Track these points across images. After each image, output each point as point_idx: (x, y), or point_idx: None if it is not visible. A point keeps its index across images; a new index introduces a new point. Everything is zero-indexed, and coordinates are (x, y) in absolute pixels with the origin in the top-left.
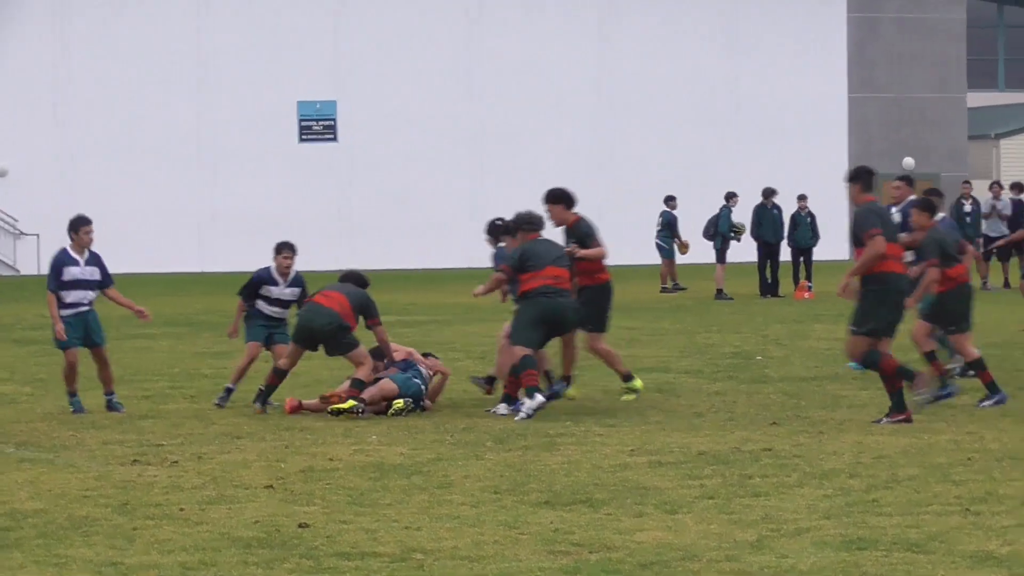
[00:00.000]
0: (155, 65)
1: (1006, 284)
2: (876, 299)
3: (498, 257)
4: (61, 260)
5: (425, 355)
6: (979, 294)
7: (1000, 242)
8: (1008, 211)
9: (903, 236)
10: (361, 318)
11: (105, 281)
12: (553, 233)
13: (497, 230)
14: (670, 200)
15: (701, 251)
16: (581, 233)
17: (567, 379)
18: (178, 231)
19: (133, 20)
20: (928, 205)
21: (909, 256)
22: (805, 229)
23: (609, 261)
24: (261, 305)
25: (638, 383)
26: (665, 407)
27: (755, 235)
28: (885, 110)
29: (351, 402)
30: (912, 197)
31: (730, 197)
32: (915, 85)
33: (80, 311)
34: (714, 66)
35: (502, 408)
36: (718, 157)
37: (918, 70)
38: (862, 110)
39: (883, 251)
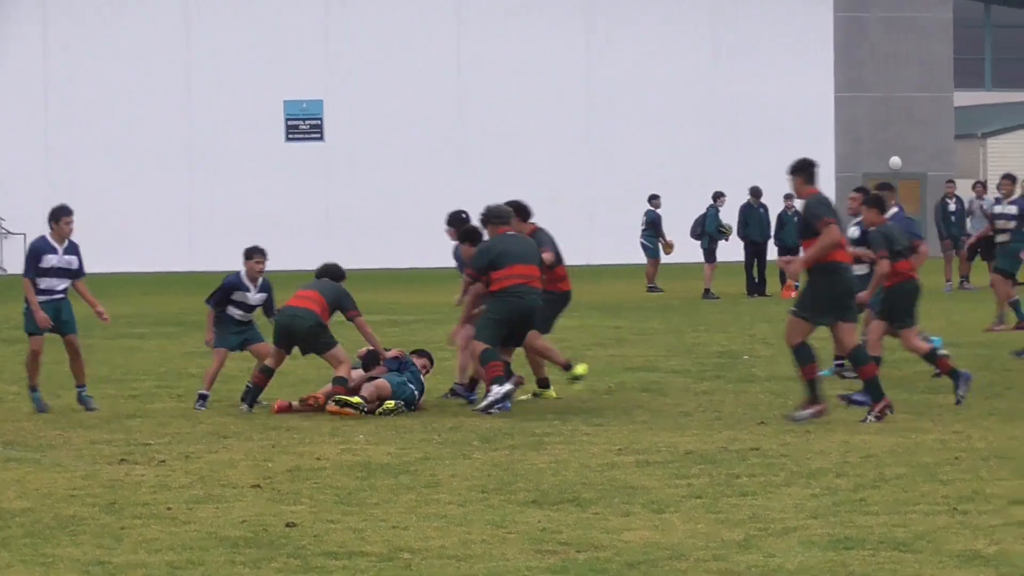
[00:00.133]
0: (143, 65)
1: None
2: (825, 287)
3: (458, 256)
4: (39, 248)
5: (414, 352)
6: (959, 294)
7: (971, 240)
8: (1015, 210)
9: (855, 250)
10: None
11: (79, 272)
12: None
13: (459, 222)
14: (654, 199)
15: (688, 251)
16: (538, 242)
17: (544, 382)
18: (166, 230)
19: (121, 20)
20: (877, 202)
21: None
22: (791, 228)
23: (596, 261)
24: (232, 311)
25: (580, 368)
26: (652, 406)
27: (742, 235)
28: (872, 109)
29: (358, 399)
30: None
31: (717, 196)
32: (902, 84)
33: (54, 298)
34: (702, 66)
35: (494, 391)
36: (706, 156)
37: (905, 69)
38: (849, 109)
39: (838, 239)
